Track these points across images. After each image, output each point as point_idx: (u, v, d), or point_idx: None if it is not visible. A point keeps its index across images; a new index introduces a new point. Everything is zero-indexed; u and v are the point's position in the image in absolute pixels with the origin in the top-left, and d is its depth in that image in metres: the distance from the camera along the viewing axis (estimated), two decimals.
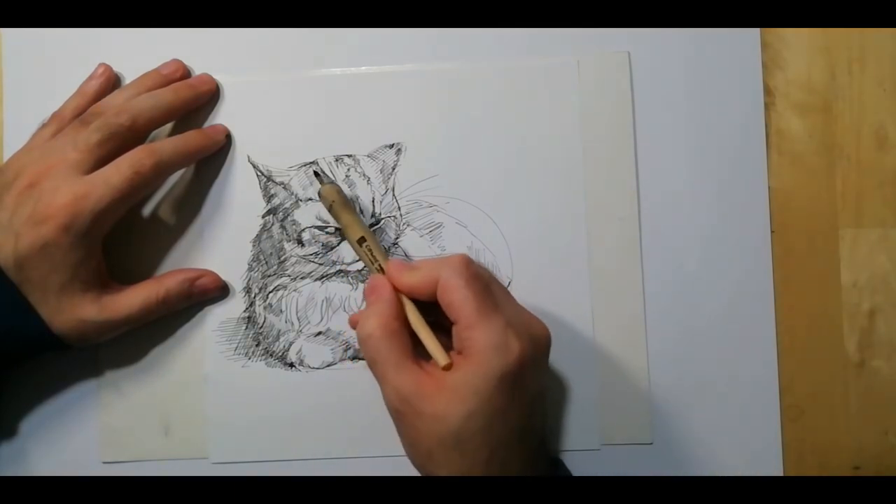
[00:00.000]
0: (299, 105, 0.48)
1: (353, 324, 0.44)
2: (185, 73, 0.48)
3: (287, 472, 0.48)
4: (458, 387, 0.40)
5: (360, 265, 0.48)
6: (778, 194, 0.48)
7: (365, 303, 0.44)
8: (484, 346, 0.40)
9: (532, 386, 0.41)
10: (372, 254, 0.44)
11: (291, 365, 0.48)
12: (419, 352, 0.42)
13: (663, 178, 0.48)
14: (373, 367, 0.42)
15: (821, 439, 0.48)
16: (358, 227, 0.45)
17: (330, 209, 0.46)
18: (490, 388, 0.39)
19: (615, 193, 0.48)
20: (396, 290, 0.43)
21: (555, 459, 0.46)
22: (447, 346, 0.42)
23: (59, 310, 0.43)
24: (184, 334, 0.48)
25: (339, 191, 0.46)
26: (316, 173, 0.47)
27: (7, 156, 0.46)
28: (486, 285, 0.41)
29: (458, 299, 0.40)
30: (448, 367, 0.40)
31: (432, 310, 0.42)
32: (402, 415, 0.41)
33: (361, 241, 0.44)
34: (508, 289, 0.47)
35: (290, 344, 0.48)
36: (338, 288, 0.48)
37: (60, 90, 0.47)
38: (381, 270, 0.43)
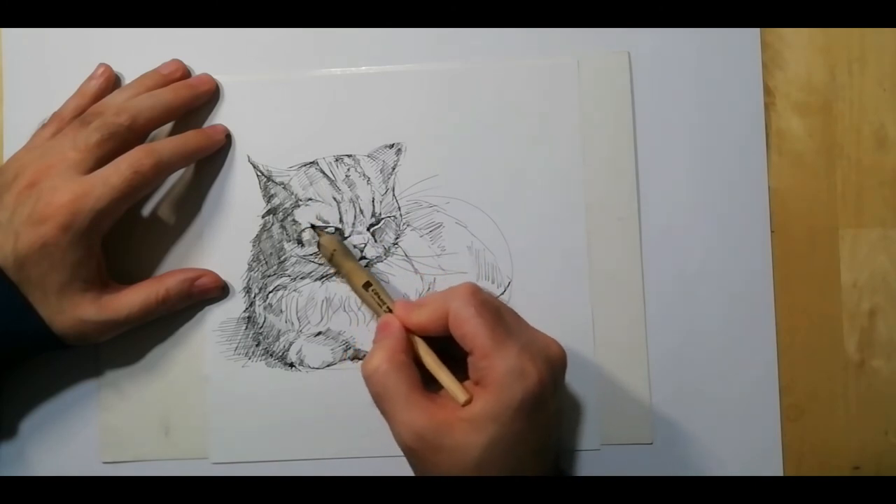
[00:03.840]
0: (299, 105, 0.48)
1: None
2: (185, 73, 0.48)
3: (287, 472, 0.47)
4: (477, 417, 0.39)
5: None
6: (778, 194, 0.48)
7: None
8: (502, 374, 0.39)
9: (550, 407, 0.41)
10: (379, 297, 0.44)
11: (291, 365, 0.48)
12: (428, 385, 0.41)
13: (663, 178, 0.48)
14: (380, 403, 0.41)
15: (821, 439, 0.48)
16: (361, 273, 0.45)
17: (331, 259, 0.46)
18: (510, 415, 0.39)
19: (615, 193, 0.48)
20: (408, 331, 0.42)
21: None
22: (461, 378, 0.41)
23: (59, 309, 0.43)
24: (184, 334, 0.48)
25: (339, 240, 0.46)
26: (313, 226, 0.47)
27: (7, 156, 0.46)
28: (496, 312, 0.41)
29: (471, 330, 0.40)
30: (468, 402, 0.40)
31: (442, 343, 0.42)
32: (418, 452, 0.40)
33: (367, 286, 0.45)
34: (508, 289, 0.47)
35: (290, 344, 0.48)
36: (338, 288, 0.48)
37: (60, 90, 0.47)
38: (390, 311, 0.44)
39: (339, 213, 0.48)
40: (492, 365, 0.40)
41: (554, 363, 0.41)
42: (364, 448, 0.47)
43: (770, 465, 0.47)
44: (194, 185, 0.48)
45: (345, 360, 0.48)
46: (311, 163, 0.48)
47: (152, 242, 0.48)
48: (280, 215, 0.48)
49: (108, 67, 0.48)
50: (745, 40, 0.48)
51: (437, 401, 0.41)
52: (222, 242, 0.48)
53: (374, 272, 0.48)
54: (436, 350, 0.42)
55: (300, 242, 0.48)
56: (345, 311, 0.48)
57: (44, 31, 0.49)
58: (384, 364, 0.41)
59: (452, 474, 0.39)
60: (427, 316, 0.42)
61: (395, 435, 0.41)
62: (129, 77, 0.48)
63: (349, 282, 0.46)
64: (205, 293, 0.47)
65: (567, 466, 0.46)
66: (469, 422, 0.39)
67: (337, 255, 0.46)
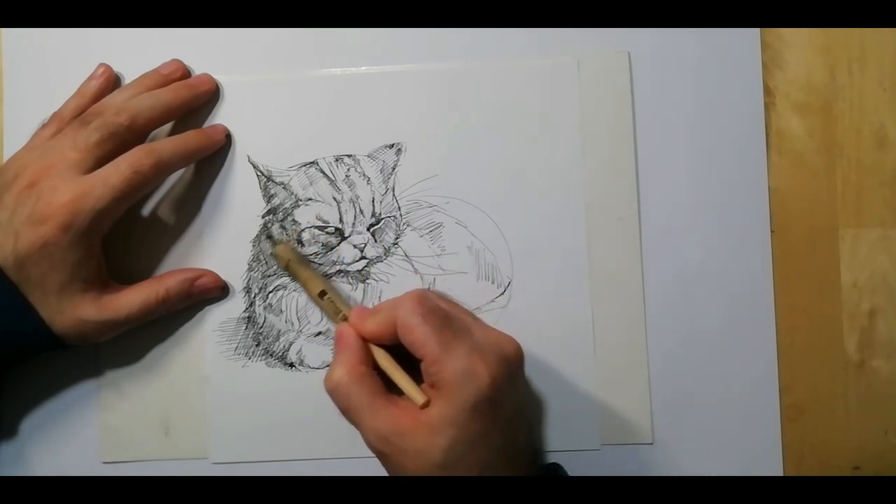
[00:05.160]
0: (299, 105, 0.48)
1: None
2: (185, 73, 0.48)
3: (287, 472, 0.47)
4: (435, 420, 0.40)
5: (360, 265, 0.48)
6: (778, 194, 0.48)
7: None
8: (453, 377, 0.40)
9: (509, 405, 0.41)
10: (335, 305, 0.45)
11: (291, 365, 0.48)
12: (391, 392, 0.42)
13: (663, 178, 0.48)
14: (347, 414, 0.42)
15: (821, 439, 0.48)
16: (317, 281, 0.46)
17: (286, 268, 0.46)
18: (465, 416, 0.40)
19: (615, 193, 0.48)
20: (364, 338, 0.43)
21: (551, 465, 0.46)
22: (423, 383, 0.42)
23: (59, 309, 0.43)
24: (184, 334, 0.48)
25: (294, 248, 0.47)
26: (269, 236, 0.47)
27: (7, 156, 0.46)
28: (444, 316, 0.42)
29: (418, 337, 0.41)
30: (426, 405, 0.41)
31: (403, 348, 0.42)
32: (387, 455, 0.41)
33: (322, 294, 0.45)
34: (508, 289, 0.47)
35: (290, 344, 0.48)
36: (338, 288, 0.48)
37: (60, 90, 0.47)
38: (346, 319, 0.44)
39: (339, 213, 0.48)
40: (442, 370, 0.40)
41: (509, 360, 0.42)
42: (364, 448, 0.47)
43: (770, 465, 0.47)
44: (194, 185, 0.48)
45: None
46: (311, 163, 0.48)
47: (152, 242, 0.48)
48: (280, 215, 0.48)
49: (108, 67, 0.48)
50: (745, 40, 0.48)
51: (400, 405, 0.41)
52: (222, 242, 0.48)
53: (375, 272, 0.48)
54: (398, 355, 0.43)
55: (300, 242, 0.48)
56: None
57: (44, 31, 0.49)
58: (345, 378, 0.41)
59: (419, 475, 0.40)
60: (377, 325, 0.43)
61: (366, 441, 0.42)
62: (129, 77, 0.48)
63: (305, 290, 0.46)
64: (205, 293, 0.47)
65: (566, 468, 0.46)
66: (428, 425, 0.40)
67: (293, 264, 0.46)
